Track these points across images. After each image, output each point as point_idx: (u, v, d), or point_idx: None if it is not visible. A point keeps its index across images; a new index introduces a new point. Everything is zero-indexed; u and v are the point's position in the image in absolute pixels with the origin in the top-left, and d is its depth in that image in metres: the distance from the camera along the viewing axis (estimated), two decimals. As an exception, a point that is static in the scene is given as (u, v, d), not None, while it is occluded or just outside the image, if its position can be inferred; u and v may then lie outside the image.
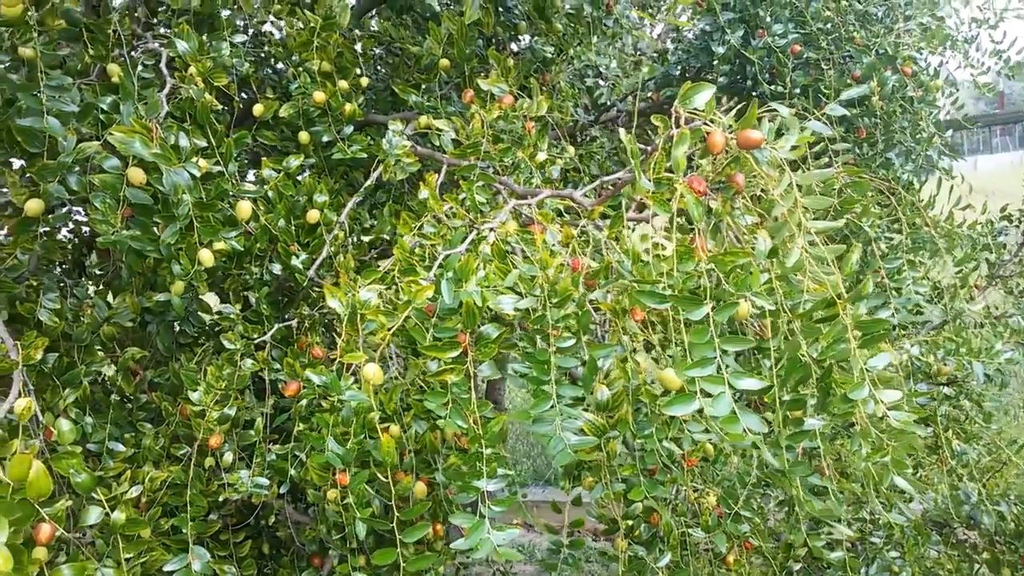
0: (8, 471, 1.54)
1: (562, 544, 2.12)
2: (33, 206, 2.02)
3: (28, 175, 2.20)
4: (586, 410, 1.64)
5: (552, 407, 1.53)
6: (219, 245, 2.06)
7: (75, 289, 2.29)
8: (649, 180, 1.38)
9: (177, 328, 2.60)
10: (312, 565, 2.85)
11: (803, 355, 1.36)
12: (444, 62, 2.56)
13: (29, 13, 1.86)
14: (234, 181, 2.06)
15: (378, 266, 2.03)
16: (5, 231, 2.30)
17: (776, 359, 1.37)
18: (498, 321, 1.70)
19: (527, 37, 3.37)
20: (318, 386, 1.65)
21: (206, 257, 1.96)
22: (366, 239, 2.65)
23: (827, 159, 2.19)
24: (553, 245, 1.77)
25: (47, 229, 2.17)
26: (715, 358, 1.26)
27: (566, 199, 1.96)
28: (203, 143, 1.98)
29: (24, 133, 2.04)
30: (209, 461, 2.33)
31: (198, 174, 1.86)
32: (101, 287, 2.57)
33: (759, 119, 1.45)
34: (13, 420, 1.71)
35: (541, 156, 2.26)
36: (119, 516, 1.79)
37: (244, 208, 2.12)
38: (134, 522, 1.83)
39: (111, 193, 1.87)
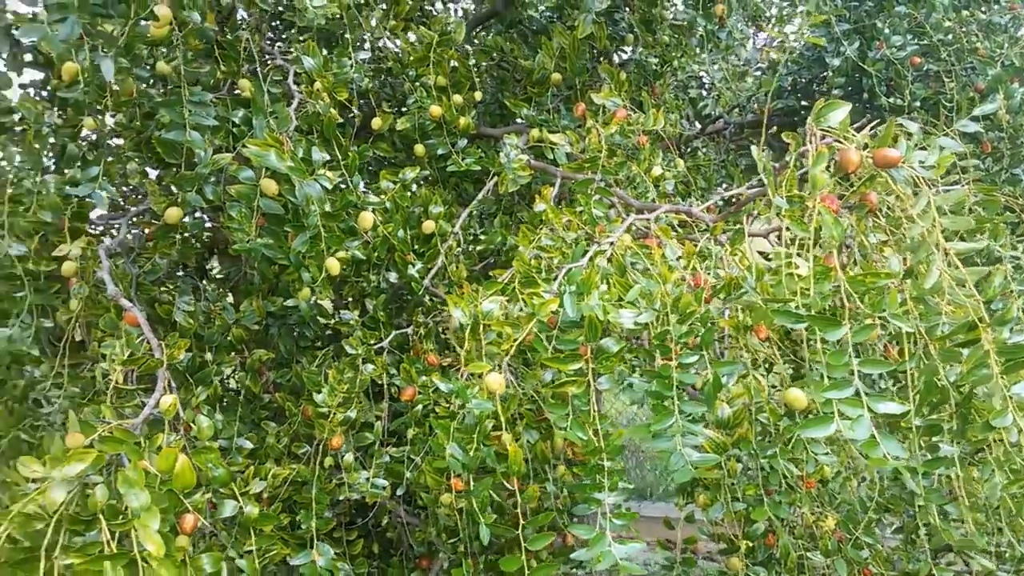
0: (157, 463, 1.64)
1: (675, 561, 2.11)
2: (173, 213, 2.15)
3: (166, 184, 2.34)
4: (706, 427, 1.64)
5: (674, 423, 1.54)
6: (341, 254, 2.14)
7: (206, 293, 2.42)
8: (782, 198, 1.38)
9: (296, 332, 2.73)
10: (420, 567, 2.91)
11: (940, 380, 1.33)
12: (556, 76, 2.59)
13: (174, 33, 1.98)
14: (359, 193, 2.14)
15: (492, 277, 2.08)
16: (144, 236, 2.45)
17: (911, 383, 1.34)
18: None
19: (629, 49, 3.38)
20: (445, 393, 1.70)
21: (333, 265, 2.04)
22: (476, 249, 2.72)
23: (956, 176, 2.12)
24: (672, 260, 1.77)
25: (183, 235, 2.30)
26: (853, 380, 1.24)
27: (683, 214, 1.96)
28: (328, 156, 2.07)
29: (165, 145, 2.18)
30: (329, 461, 2.42)
31: (329, 186, 1.95)
32: (222, 291, 2.71)
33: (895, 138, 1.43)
34: (157, 415, 1.83)
35: (657, 170, 2.26)
36: (252, 510, 1.88)
37: (366, 218, 2.20)
38: (265, 516, 1.92)
39: (246, 203, 1.98)
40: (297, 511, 2.33)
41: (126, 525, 1.55)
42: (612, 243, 1.78)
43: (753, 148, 1.57)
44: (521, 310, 1.73)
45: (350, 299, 2.61)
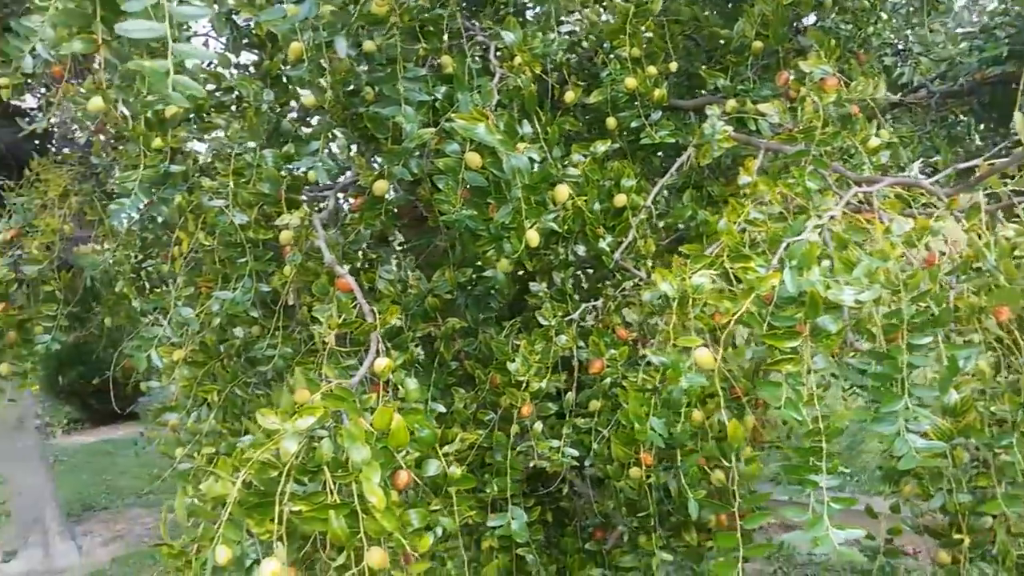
0: (373, 421, 1.73)
1: (879, 551, 2.01)
2: (380, 186, 2.25)
3: (370, 158, 2.45)
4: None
5: (902, 406, 1.45)
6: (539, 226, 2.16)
7: (404, 262, 2.52)
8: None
9: (481, 303, 2.79)
10: (595, 537, 2.94)
11: None
12: (757, 44, 2.49)
13: (392, 11, 2.05)
14: (558, 166, 2.15)
15: (682, 252, 2.04)
16: (348, 208, 2.58)
17: None
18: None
19: (814, 17, 3.20)
20: (657, 368, 1.68)
21: (533, 237, 2.07)
22: (663, 224, 2.68)
23: None
24: (896, 236, 1.66)
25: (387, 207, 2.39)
26: None
27: (912, 187, 1.84)
28: (531, 129, 2.09)
29: (374, 120, 2.28)
30: (515, 428, 2.48)
31: (538, 158, 1.97)
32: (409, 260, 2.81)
33: None
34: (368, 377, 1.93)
35: (874, 141, 2.13)
36: (455, 470, 1.96)
37: (562, 192, 2.21)
38: (466, 478, 1.99)
39: (452, 176, 2.03)
40: (480, 475, 2.40)
41: (347, 477, 1.65)
42: (833, 216, 1.69)
43: (1017, 115, 1.44)
44: (735, 284, 1.68)
45: (537, 271, 2.64)
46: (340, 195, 2.66)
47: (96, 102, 2.10)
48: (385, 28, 2.24)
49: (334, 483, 1.64)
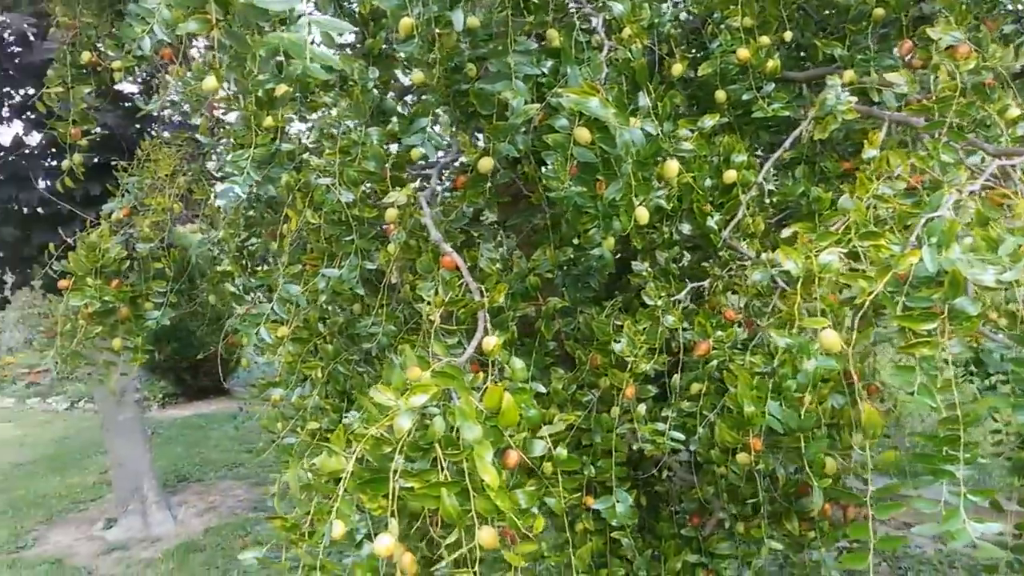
0: (484, 400, 1.72)
1: (1006, 546, 1.90)
2: (485, 163, 2.23)
3: (479, 135, 2.43)
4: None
5: (1057, 395, 1.35)
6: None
7: (506, 241, 2.50)
8: None
9: (580, 282, 2.75)
10: (691, 523, 2.88)
11: None
12: (879, 11, 2.36)
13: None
14: (669, 140, 2.09)
15: (792, 230, 1.95)
16: (449, 185, 2.57)
17: None
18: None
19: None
20: (783, 349, 1.61)
21: (643, 215, 2.01)
22: (772, 200, 2.57)
23: None
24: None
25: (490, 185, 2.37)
26: None
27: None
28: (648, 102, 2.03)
29: (479, 96, 2.25)
30: (616, 410, 2.43)
31: (654, 132, 1.91)
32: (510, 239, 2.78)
33: None
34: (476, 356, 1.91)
35: (1013, 111, 1.99)
36: (561, 451, 1.93)
37: (672, 167, 2.14)
38: (570, 459, 1.96)
39: (561, 152, 1.99)
40: (577, 457, 2.36)
41: (459, 455, 1.64)
42: (974, 192, 1.58)
43: None
44: (861, 263, 1.59)
45: (639, 250, 2.58)
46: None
47: (210, 82, 2.13)
48: (494, 2, 2.21)
49: (445, 461, 1.64)
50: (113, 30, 3.28)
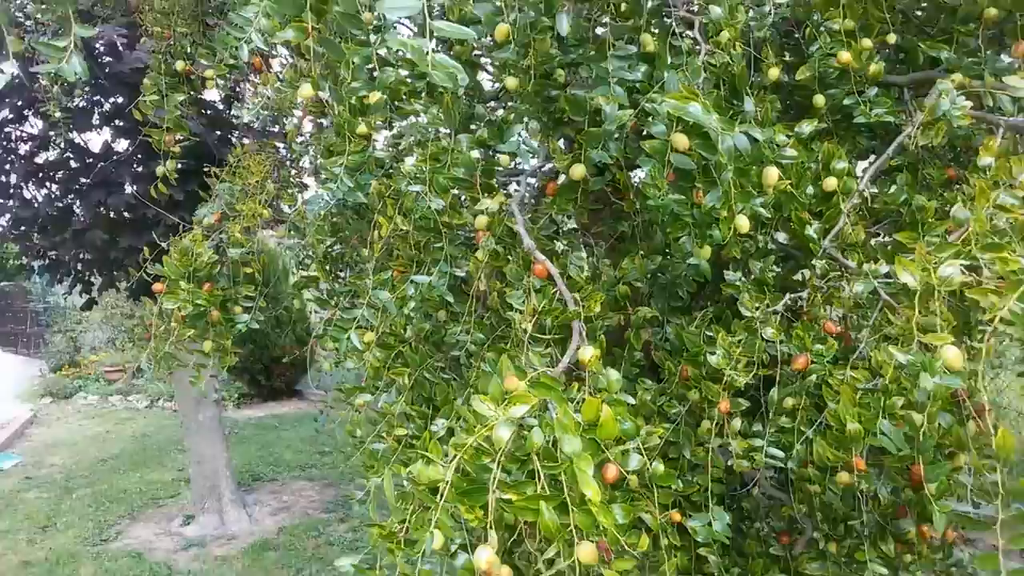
0: (583, 412, 1.68)
1: None
2: (577, 170, 2.20)
3: (569, 142, 2.40)
4: None
5: None
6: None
7: (594, 249, 2.46)
8: None
9: (668, 291, 2.69)
10: (780, 542, 2.79)
11: None
12: (991, 12, 2.25)
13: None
14: (771, 147, 2.02)
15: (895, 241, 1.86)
16: (536, 192, 2.55)
17: None
18: None
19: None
20: (895, 365, 1.54)
21: (743, 224, 1.95)
22: (871, 209, 2.48)
23: None
24: None
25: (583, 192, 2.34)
26: None
27: None
28: (753, 107, 1.97)
29: (571, 103, 2.22)
30: (706, 424, 2.37)
31: (761, 138, 1.85)
32: (600, 247, 2.75)
33: None
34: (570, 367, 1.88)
35: None
36: (658, 466, 1.88)
37: (772, 174, 2.07)
38: (668, 474, 1.91)
39: (659, 158, 1.94)
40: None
41: (557, 468, 1.61)
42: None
43: None
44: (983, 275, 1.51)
45: (731, 259, 2.51)
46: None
47: (305, 89, 2.15)
48: (582, 7, 2.18)
49: (542, 473, 1.61)
50: (205, 39, 3.36)
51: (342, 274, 3.34)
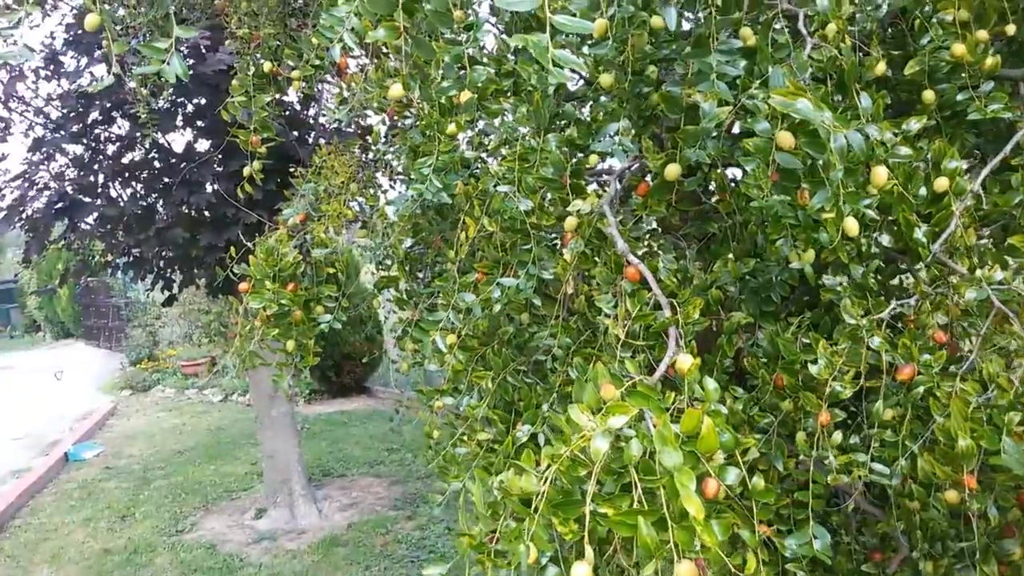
0: (681, 423, 1.61)
1: None
2: (672, 170, 2.12)
3: (657, 140, 2.33)
4: None
5: None
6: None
7: (686, 252, 2.38)
8: None
9: (760, 296, 2.59)
10: (872, 559, 2.67)
11: None
12: (1122, -1, 2.10)
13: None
14: (882, 145, 1.91)
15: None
16: (621, 192, 2.47)
17: None
18: None
19: None
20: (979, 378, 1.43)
21: (852, 226, 1.85)
22: (980, 211, 2.33)
23: None
24: None
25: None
26: None
27: None
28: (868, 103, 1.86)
29: (666, 100, 2.15)
30: (801, 436, 2.27)
31: (879, 136, 1.75)
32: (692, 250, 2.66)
33: None
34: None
35: None
36: (758, 481, 1.79)
37: (881, 174, 1.96)
38: (767, 490, 1.82)
39: (762, 157, 1.86)
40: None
41: (656, 482, 1.54)
42: None
43: None
44: None
45: (830, 263, 2.40)
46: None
47: (396, 89, 2.13)
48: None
49: (640, 487, 1.54)
50: (291, 40, 3.39)
51: (420, 274, 3.32)
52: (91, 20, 1.92)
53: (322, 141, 7.04)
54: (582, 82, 3.08)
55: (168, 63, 1.79)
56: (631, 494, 1.56)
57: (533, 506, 1.53)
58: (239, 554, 7.46)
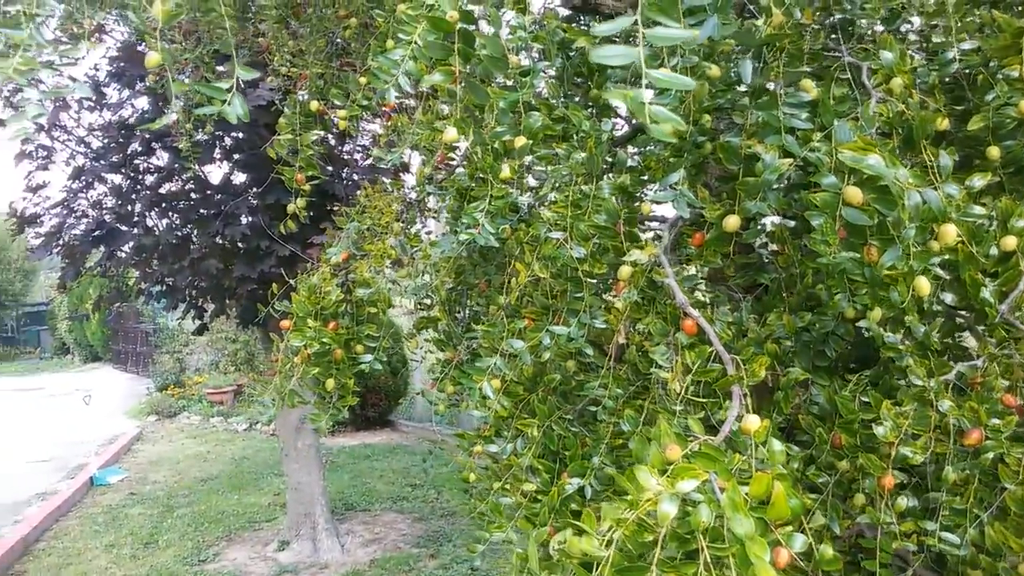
0: (750, 489, 1.55)
1: None
2: (732, 222, 2.08)
3: (709, 189, 2.29)
4: None
5: None
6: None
7: (741, 304, 2.33)
8: None
9: (813, 350, 2.53)
10: (932, 629, 2.55)
11: None
12: None
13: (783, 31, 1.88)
14: (958, 203, 1.86)
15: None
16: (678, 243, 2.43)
17: None
18: None
19: None
20: None
21: (923, 285, 1.80)
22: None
23: None
24: None
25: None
26: None
27: None
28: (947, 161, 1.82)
29: (725, 150, 2.12)
30: (860, 499, 2.19)
31: (958, 194, 1.71)
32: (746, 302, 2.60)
33: None
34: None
35: None
36: (825, 549, 1.72)
37: (950, 232, 1.90)
38: (835, 558, 1.75)
39: (830, 212, 1.81)
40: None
41: (726, 551, 1.48)
42: None
43: None
44: None
45: (889, 319, 2.33)
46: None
47: (451, 133, 2.11)
48: (732, 52, 2.08)
49: (709, 556, 1.48)
50: (338, 80, 3.41)
51: (459, 315, 3.29)
52: (152, 59, 1.92)
53: (356, 177, 7.08)
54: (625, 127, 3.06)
55: (229, 104, 1.78)
56: (696, 561, 1.50)
57: (597, 571, 1.47)
58: (260, 587, 7.40)
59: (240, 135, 6.82)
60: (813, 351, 2.49)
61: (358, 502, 9.70)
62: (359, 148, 7.44)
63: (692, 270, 2.93)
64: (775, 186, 2.01)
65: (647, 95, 0.93)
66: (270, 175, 5.83)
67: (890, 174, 1.63)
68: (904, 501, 2.02)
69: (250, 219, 6.79)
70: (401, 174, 6.76)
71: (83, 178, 6.86)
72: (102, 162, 6.76)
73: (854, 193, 1.79)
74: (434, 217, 3.46)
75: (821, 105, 2.01)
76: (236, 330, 14.64)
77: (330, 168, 7.01)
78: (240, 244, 7.01)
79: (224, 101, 1.73)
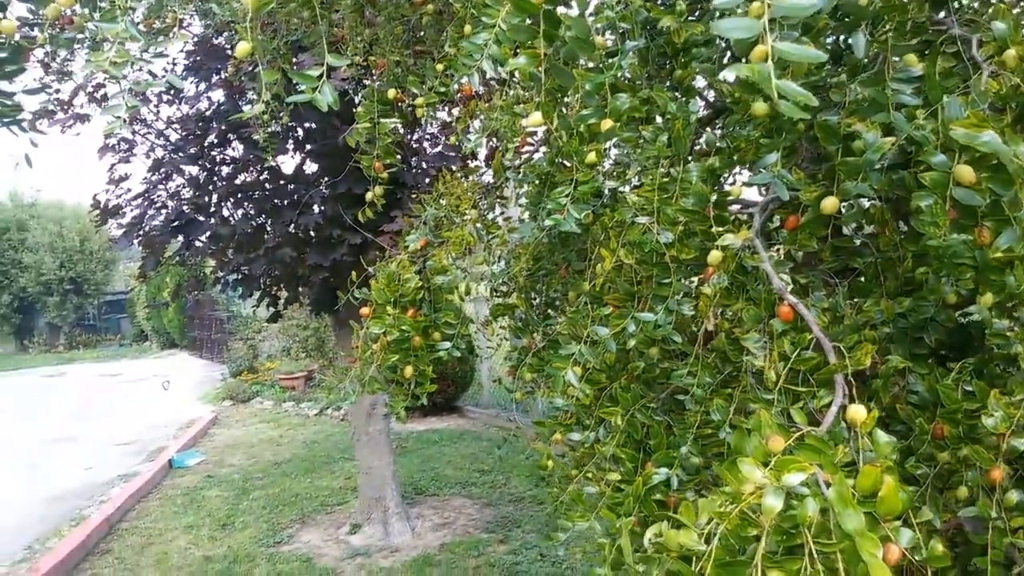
0: (858, 482, 1.48)
1: None
2: (830, 204, 1.99)
3: (809, 171, 2.20)
4: None
5: None
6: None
7: (837, 289, 2.24)
8: None
9: (911, 338, 2.42)
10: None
11: None
12: None
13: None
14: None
15: None
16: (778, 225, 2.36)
17: None
18: None
19: None
20: None
21: (1039, 271, 1.69)
22: None
23: None
24: None
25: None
26: None
27: None
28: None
29: (824, 129, 2.03)
30: (963, 492, 2.09)
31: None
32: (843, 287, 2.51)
33: None
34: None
35: None
36: (935, 544, 1.64)
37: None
38: (945, 555, 1.67)
39: (940, 193, 1.72)
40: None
41: (833, 547, 1.42)
42: None
43: None
44: None
45: (994, 305, 2.21)
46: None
47: (535, 117, 2.08)
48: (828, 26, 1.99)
49: (816, 551, 1.42)
50: (415, 67, 3.40)
51: (535, 302, 3.26)
52: (243, 48, 1.93)
53: (424, 165, 7.11)
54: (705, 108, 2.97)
55: (319, 91, 1.78)
56: (799, 557, 1.44)
57: (697, 566, 1.43)
58: (335, 569, 7.53)
59: (312, 125, 6.91)
60: (910, 338, 2.38)
61: (427, 487, 9.80)
62: (427, 136, 7.47)
63: (780, 254, 2.85)
64: (876, 166, 1.92)
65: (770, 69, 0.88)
66: (341, 164, 5.88)
67: (1008, 151, 1.53)
68: (1014, 495, 1.92)
69: (322, 208, 6.88)
70: (470, 162, 6.76)
71: (162, 170, 7.05)
72: (180, 154, 6.93)
73: (966, 172, 1.70)
74: (504, 206, 3.43)
75: (927, 80, 1.91)
76: (307, 317, 14.93)
77: (399, 156, 7.05)
78: (312, 233, 7.11)
79: (315, 89, 1.73)
